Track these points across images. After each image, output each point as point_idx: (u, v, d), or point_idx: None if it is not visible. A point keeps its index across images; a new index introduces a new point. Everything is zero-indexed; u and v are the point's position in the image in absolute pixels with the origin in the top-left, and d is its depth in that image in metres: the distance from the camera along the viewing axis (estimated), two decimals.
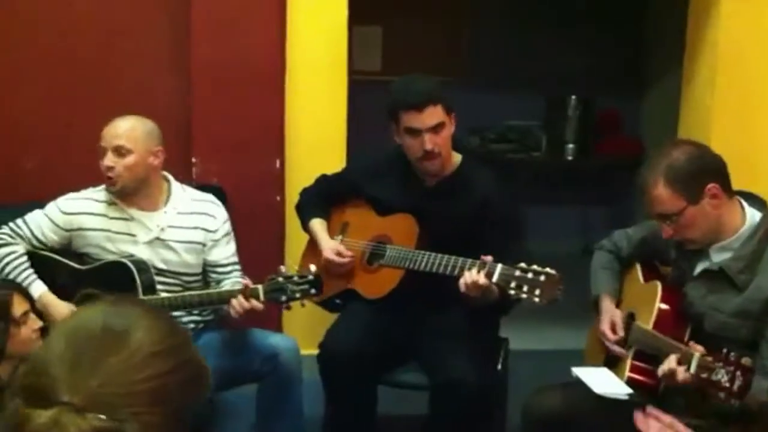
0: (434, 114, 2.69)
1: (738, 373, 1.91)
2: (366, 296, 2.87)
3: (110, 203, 2.78)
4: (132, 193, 2.76)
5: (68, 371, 1.07)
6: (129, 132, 2.71)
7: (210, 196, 2.92)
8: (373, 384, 2.80)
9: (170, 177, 2.88)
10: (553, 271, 2.36)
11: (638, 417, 1.78)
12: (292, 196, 3.38)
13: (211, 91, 3.48)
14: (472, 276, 2.48)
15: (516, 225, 2.89)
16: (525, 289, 2.37)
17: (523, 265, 2.41)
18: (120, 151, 2.69)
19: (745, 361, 1.92)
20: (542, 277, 2.36)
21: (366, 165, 3.05)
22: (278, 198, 3.53)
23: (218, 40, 3.45)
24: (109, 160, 2.70)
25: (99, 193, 2.82)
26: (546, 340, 4.21)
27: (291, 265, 3.06)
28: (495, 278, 2.44)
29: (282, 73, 3.51)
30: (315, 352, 2.80)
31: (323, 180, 3.13)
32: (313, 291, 2.59)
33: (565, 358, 2.62)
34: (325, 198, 3.06)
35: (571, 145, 5.70)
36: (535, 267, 2.38)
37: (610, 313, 2.55)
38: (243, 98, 3.49)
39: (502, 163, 5.37)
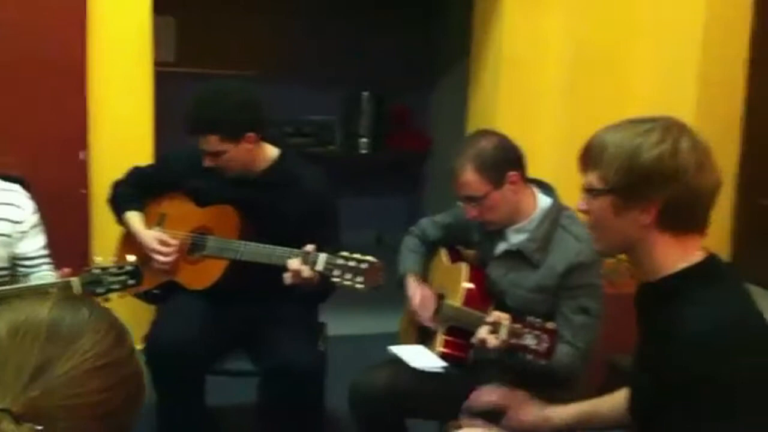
0: (208, 142, 2.70)
1: (545, 336, 2.10)
2: (189, 288, 2.85)
3: None
4: None
5: (11, 376, 1.03)
6: None
7: (16, 186, 2.79)
8: (201, 375, 2.78)
9: None
10: (374, 260, 2.47)
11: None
12: (98, 189, 3.31)
13: (10, 86, 3.35)
14: (295, 265, 2.55)
15: (336, 217, 2.95)
16: (348, 276, 2.46)
17: (345, 253, 2.50)
18: None
19: (550, 324, 2.12)
20: (364, 265, 2.46)
21: (182, 157, 3.00)
22: (83, 191, 3.44)
23: (15, 35, 3.32)
24: None
25: None
26: (356, 325, 4.35)
27: (100, 258, 2.98)
28: (319, 267, 2.52)
29: (83, 64, 3.42)
30: (138, 346, 2.77)
31: (136, 172, 3.07)
32: (131, 282, 2.54)
33: (378, 341, 2.74)
34: (139, 190, 3.01)
35: (364, 139, 5.89)
36: (357, 255, 2.48)
37: (420, 292, 2.71)
38: (43, 92, 3.39)
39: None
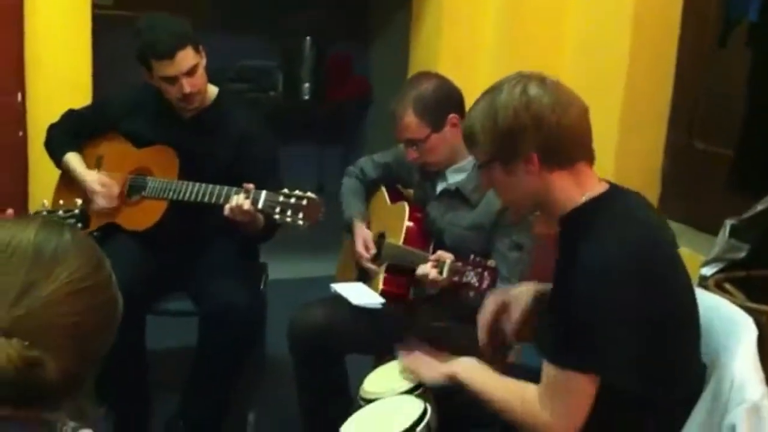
0: (186, 57, 2.68)
1: (485, 273, 2.17)
2: (129, 229, 2.85)
3: None
4: None
5: None
6: None
7: None
8: (141, 316, 2.78)
9: None
10: (314, 195, 2.50)
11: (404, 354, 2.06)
12: (35, 132, 3.27)
13: None
14: (237, 200, 2.56)
15: (274, 158, 2.96)
16: (289, 213, 2.48)
17: (285, 190, 2.51)
18: None
19: (490, 262, 2.19)
20: (304, 201, 2.49)
21: (118, 98, 2.99)
22: (20, 134, 3.39)
23: None
24: None
25: None
26: (298, 269, 4.39)
27: (47, 202, 2.94)
28: (260, 204, 2.53)
29: (19, 6, 3.33)
30: None
31: (72, 114, 3.02)
32: (80, 225, 2.53)
33: (317, 284, 2.78)
34: (76, 133, 2.97)
35: (306, 85, 5.86)
36: (297, 192, 2.50)
37: (362, 235, 2.76)
38: None
39: None
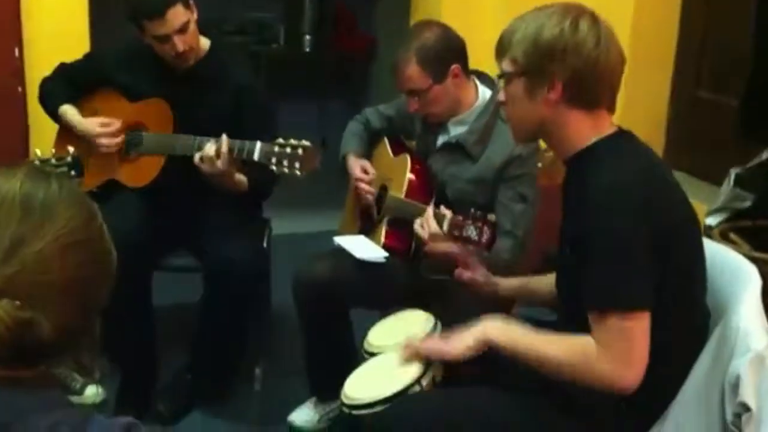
0: (177, 15, 2.63)
1: (485, 228, 2.14)
2: (129, 185, 2.83)
3: None
4: None
5: None
6: None
7: None
8: (148, 271, 2.78)
9: None
10: (309, 143, 2.48)
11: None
12: (33, 88, 3.23)
13: None
14: (206, 150, 2.55)
15: (270, 110, 2.94)
16: (285, 163, 2.47)
17: (281, 140, 2.49)
18: None
19: (490, 217, 2.16)
20: (300, 150, 2.47)
21: (111, 51, 2.95)
22: (19, 89, 3.36)
23: None
24: None
25: None
26: (302, 224, 4.37)
27: (39, 151, 2.90)
28: (256, 156, 2.51)
29: None
30: None
31: (64, 68, 2.97)
32: (73, 174, 2.51)
33: (322, 238, 2.76)
34: (69, 85, 2.93)
35: (308, 37, 5.80)
36: (292, 141, 2.48)
37: (360, 163, 2.74)
38: None
39: None
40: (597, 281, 1.67)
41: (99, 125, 2.82)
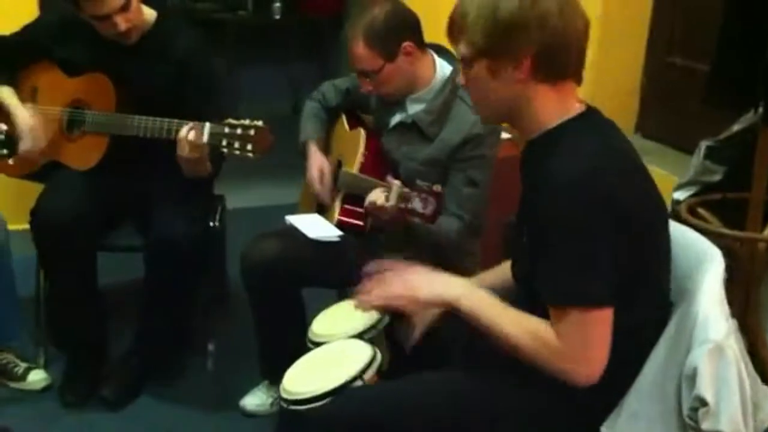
0: None
1: (430, 198, 2.05)
2: (74, 167, 2.73)
3: None
4: None
5: None
6: None
7: None
8: (91, 251, 2.69)
9: None
10: (261, 124, 2.36)
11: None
12: None
13: None
14: (184, 133, 2.44)
15: (219, 82, 2.80)
16: (237, 145, 2.36)
17: (231, 121, 2.37)
18: None
19: (436, 187, 2.07)
20: (252, 131, 2.35)
21: (50, 23, 2.80)
22: None
23: None
24: None
25: None
26: (262, 197, 4.28)
27: None
28: (205, 138, 2.40)
29: None
30: (22, 227, 2.66)
31: (1, 42, 2.81)
32: (5, 152, 2.43)
33: (281, 212, 2.67)
34: (6, 62, 2.78)
35: (277, 4, 5.68)
36: (243, 122, 2.36)
37: (318, 162, 2.63)
38: None
39: (209, 23, 5.22)
40: (558, 277, 1.59)
41: (28, 126, 2.66)
